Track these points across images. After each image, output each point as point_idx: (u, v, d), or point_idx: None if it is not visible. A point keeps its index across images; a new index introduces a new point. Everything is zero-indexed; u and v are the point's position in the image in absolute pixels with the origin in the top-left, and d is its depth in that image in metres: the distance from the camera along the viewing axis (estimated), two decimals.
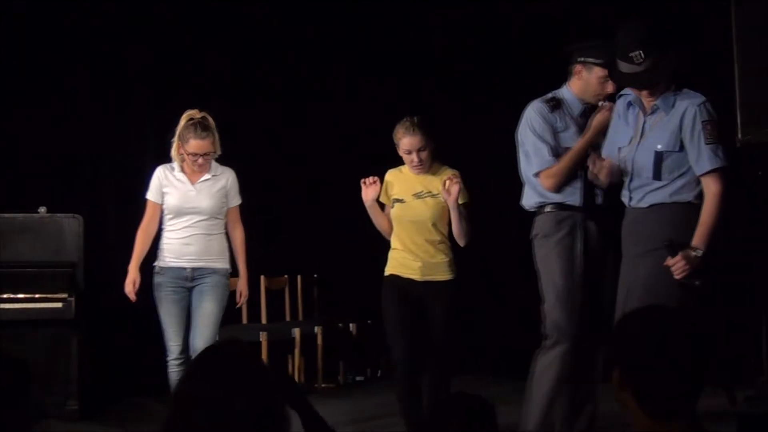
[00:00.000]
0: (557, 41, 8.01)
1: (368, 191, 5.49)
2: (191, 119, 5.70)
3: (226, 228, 5.87)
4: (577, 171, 4.96)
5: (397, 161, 5.58)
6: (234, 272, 5.93)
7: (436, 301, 5.40)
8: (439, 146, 5.57)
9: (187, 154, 5.71)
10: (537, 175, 4.99)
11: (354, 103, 8.71)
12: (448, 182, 5.41)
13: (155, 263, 5.81)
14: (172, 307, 5.71)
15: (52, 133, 7.89)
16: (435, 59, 8.66)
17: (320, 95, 8.76)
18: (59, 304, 6.67)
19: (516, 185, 5.16)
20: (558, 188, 4.95)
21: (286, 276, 8.54)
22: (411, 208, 5.51)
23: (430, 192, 5.53)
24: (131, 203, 8.17)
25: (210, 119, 5.73)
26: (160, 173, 5.81)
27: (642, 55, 4.47)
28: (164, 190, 5.79)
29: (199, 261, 5.73)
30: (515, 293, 8.48)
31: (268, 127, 8.57)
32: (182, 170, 5.78)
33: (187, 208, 5.73)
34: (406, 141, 5.48)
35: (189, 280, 5.73)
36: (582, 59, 5.03)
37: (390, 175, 5.64)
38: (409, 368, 5.29)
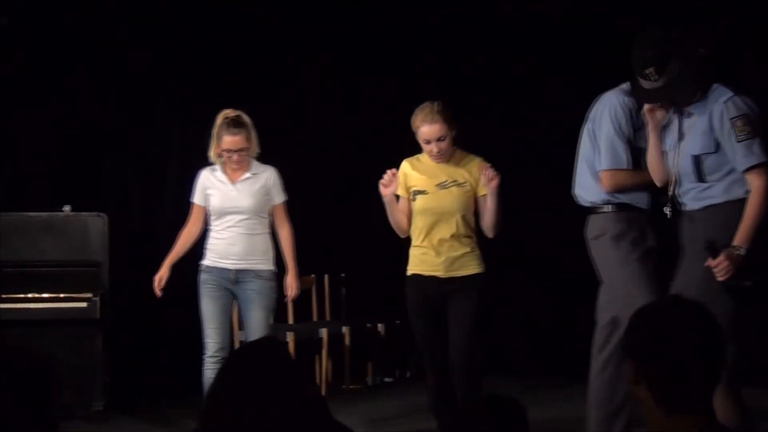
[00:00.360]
0: (557, 40, 8.08)
1: (387, 185, 5.26)
2: (226, 117, 5.80)
3: (272, 227, 5.96)
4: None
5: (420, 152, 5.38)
6: (282, 270, 6.01)
7: (462, 298, 5.17)
8: (462, 132, 5.30)
9: (222, 151, 5.80)
10: (601, 171, 4.84)
11: (376, 101, 8.72)
12: (489, 171, 5.18)
13: (201, 261, 5.90)
14: (212, 304, 5.80)
15: (76, 131, 7.96)
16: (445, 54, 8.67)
17: (340, 94, 8.78)
18: (84, 304, 6.72)
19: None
20: (616, 192, 4.84)
21: (313, 275, 8.54)
22: (436, 199, 5.23)
23: (455, 181, 5.26)
24: (156, 201, 8.26)
25: (245, 117, 5.82)
26: (203, 176, 5.93)
27: (655, 71, 4.41)
28: (208, 192, 5.90)
29: (242, 262, 5.81)
30: (544, 290, 8.49)
31: (295, 127, 8.61)
32: (223, 171, 5.88)
33: (228, 208, 5.83)
34: (424, 130, 5.20)
35: (232, 282, 5.82)
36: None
37: (407, 164, 5.35)
38: (439, 372, 5.17)
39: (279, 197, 5.95)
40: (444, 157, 5.25)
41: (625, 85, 4.89)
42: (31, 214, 6.90)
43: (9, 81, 7.65)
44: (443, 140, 5.20)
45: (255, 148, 5.87)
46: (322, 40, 8.72)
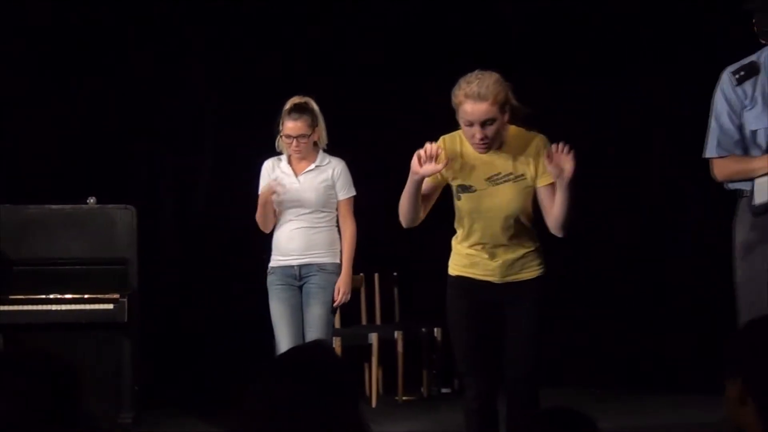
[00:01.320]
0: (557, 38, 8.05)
1: (426, 163, 4.40)
2: (291, 103, 5.98)
3: (338, 221, 6.12)
4: None
5: None
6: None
7: (522, 304, 4.67)
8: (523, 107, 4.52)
9: (283, 137, 5.97)
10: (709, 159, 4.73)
11: (430, 94, 8.72)
12: (558, 156, 4.30)
13: (269, 264, 6.08)
14: (280, 306, 6.01)
15: (101, 118, 8.05)
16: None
17: (391, 87, 8.81)
18: (110, 306, 6.78)
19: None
20: (727, 182, 4.72)
21: (362, 274, 8.55)
22: (489, 198, 4.54)
23: (511, 174, 4.51)
24: (188, 193, 8.33)
25: (311, 104, 6.00)
26: (267, 165, 6.12)
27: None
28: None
29: (303, 257, 6.02)
30: (608, 292, 8.44)
31: (347, 116, 8.65)
32: (289, 162, 6.05)
33: (290, 201, 6.01)
34: (467, 108, 4.36)
35: (297, 279, 6.03)
36: (753, 21, 4.70)
37: (446, 146, 4.51)
38: (484, 394, 4.80)
39: (343, 192, 6.10)
40: (488, 149, 4.47)
41: (749, 58, 4.75)
42: (53, 206, 6.94)
43: (34, 66, 7.77)
44: (491, 125, 4.38)
45: (323, 138, 6.05)
46: (365, 29, 8.75)
